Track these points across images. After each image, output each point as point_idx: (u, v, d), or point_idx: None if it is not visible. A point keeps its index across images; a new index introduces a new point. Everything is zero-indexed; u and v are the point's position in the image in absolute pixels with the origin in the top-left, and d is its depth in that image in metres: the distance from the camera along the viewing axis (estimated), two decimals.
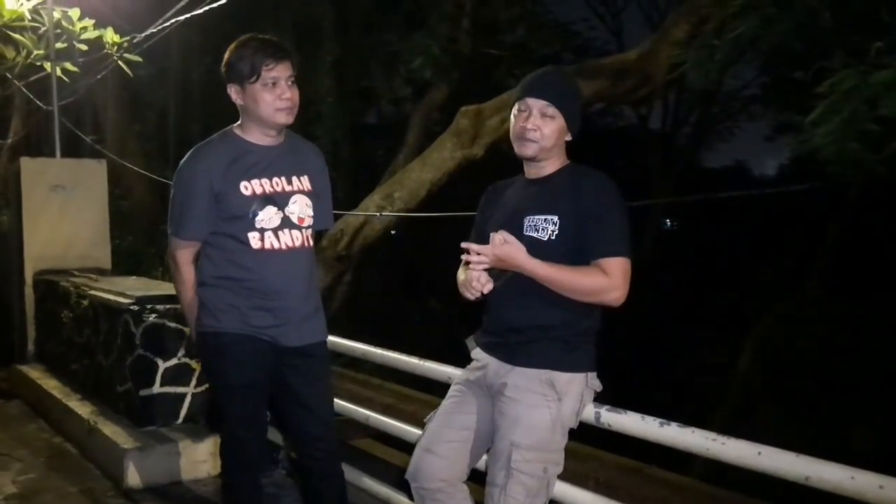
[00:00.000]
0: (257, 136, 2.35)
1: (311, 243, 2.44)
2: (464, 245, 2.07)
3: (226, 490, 2.57)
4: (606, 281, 1.99)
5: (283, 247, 2.33)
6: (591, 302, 2.05)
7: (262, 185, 2.31)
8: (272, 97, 2.25)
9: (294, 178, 2.38)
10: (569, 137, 2.17)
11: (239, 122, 2.38)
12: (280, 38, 2.41)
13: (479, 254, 2.02)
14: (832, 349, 10.49)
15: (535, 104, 2.12)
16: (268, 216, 2.31)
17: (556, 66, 2.32)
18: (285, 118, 2.30)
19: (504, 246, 1.97)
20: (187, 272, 2.41)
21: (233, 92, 2.30)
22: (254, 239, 2.30)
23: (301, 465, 2.62)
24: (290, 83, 2.28)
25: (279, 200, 2.33)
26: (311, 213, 2.40)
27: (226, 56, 2.29)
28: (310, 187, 2.41)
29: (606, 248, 2.01)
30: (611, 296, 2.00)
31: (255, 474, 2.56)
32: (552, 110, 2.11)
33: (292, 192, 2.36)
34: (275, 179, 2.34)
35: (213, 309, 2.36)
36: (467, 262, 2.08)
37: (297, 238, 2.36)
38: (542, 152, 2.13)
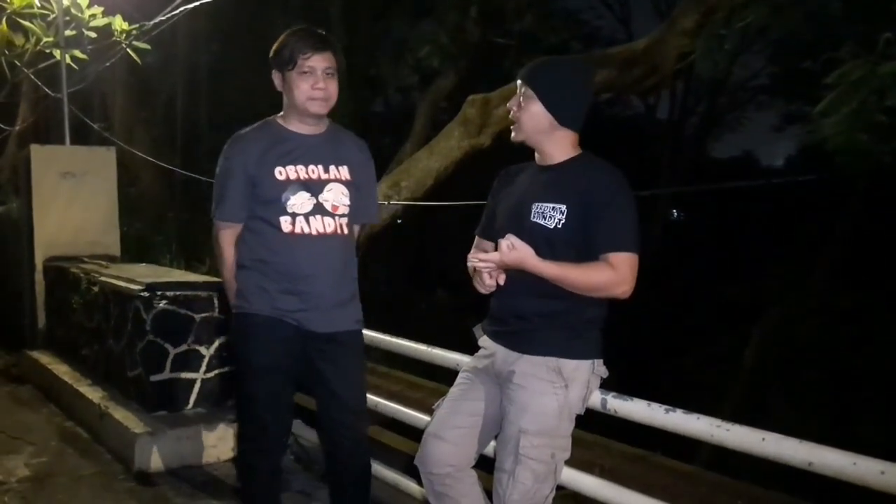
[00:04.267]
0: (296, 125, 2.39)
1: (347, 232, 2.43)
2: (471, 256, 2.08)
3: (243, 473, 2.59)
4: (614, 275, 2.00)
5: (314, 232, 2.35)
6: (598, 296, 2.07)
7: (296, 171, 2.34)
8: (307, 86, 2.29)
9: (332, 167, 2.39)
10: (555, 124, 2.13)
11: (282, 112, 2.44)
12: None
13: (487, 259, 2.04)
14: (840, 341, 10.48)
15: (520, 87, 2.17)
16: (300, 201, 2.33)
17: (562, 56, 2.33)
18: (318, 108, 2.34)
19: (512, 253, 1.97)
20: (228, 253, 2.46)
21: (275, 78, 2.36)
22: (285, 223, 2.33)
23: (325, 450, 2.64)
24: (327, 74, 2.31)
25: (313, 187, 2.36)
26: (348, 203, 2.41)
27: (275, 44, 2.35)
28: (348, 177, 2.42)
29: (614, 242, 2.02)
30: (618, 290, 2.01)
31: (275, 459, 2.56)
32: (529, 92, 2.13)
33: (328, 181, 2.38)
34: (311, 167, 2.37)
35: (245, 291, 2.41)
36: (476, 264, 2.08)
37: (330, 225, 2.37)
38: (526, 137, 2.16)
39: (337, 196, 2.39)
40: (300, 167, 2.35)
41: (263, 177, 2.33)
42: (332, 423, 2.49)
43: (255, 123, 2.45)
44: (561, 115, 2.13)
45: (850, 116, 3.65)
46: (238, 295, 2.44)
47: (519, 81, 2.17)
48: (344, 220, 2.41)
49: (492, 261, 2.01)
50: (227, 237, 2.45)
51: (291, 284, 2.35)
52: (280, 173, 2.33)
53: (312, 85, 2.29)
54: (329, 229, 2.37)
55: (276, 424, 2.48)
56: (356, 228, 2.57)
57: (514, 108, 2.17)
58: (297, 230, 2.34)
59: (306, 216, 2.34)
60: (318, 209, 2.36)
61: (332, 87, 2.34)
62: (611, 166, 2.13)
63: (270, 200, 2.33)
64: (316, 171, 2.37)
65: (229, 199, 2.38)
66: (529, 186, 2.19)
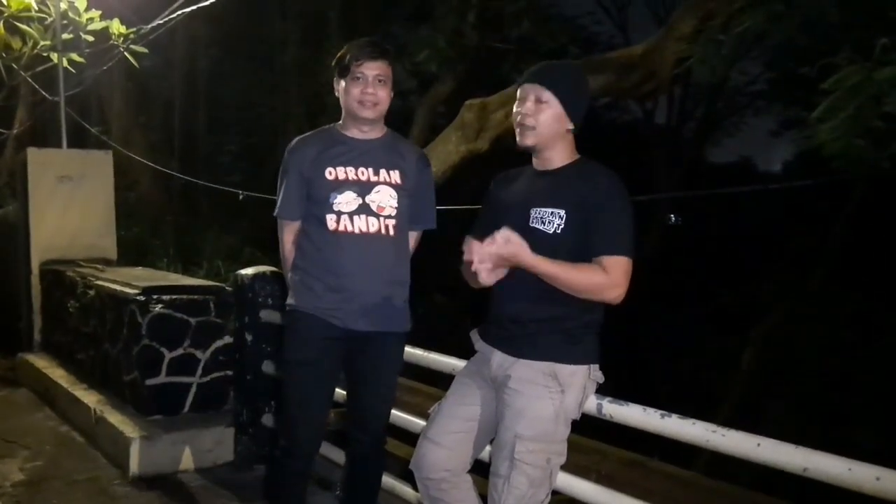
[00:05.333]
0: (352, 130, 2.48)
1: (394, 234, 2.46)
2: (466, 247, 2.02)
3: (271, 471, 2.63)
4: (606, 279, 1.99)
5: (357, 231, 2.41)
6: (589, 299, 2.05)
7: (346, 172, 2.43)
8: (357, 91, 2.39)
9: (382, 171, 2.45)
10: (570, 126, 2.16)
11: (341, 119, 2.54)
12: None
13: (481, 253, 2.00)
14: (836, 346, 10.48)
15: (531, 90, 2.14)
16: (345, 200, 2.41)
17: (564, 60, 2.33)
18: (366, 112, 2.41)
19: (507, 245, 1.95)
20: (287, 249, 2.56)
21: (335, 86, 2.48)
22: (330, 220, 2.41)
23: (348, 448, 2.72)
24: (378, 81, 2.39)
25: (361, 188, 2.42)
26: (395, 205, 2.45)
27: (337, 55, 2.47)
28: (399, 181, 2.46)
29: (609, 246, 2.02)
30: (610, 294, 2.01)
31: (303, 462, 2.56)
32: (547, 95, 2.12)
33: (377, 183, 2.43)
34: (360, 169, 2.44)
35: (294, 288, 2.52)
36: (470, 262, 2.03)
37: (374, 225, 2.42)
38: (540, 141, 2.13)
39: (384, 198, 2.43)
40: (350, 168, 2.43)
41: (315, 177, 2.43)
42: (356, 420, 2.58)
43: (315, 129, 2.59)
44: (576, 117, 2.16)
45: (846, 122, 3.65)
46: (289, 292, 2.55)
47: (530, 84, 2.15)
48: (391, 222, 2.45)
49: (486, 252, 1.97)
50: (286, 234, 2.56)
51: (333, 281, 2.42)
52: (330, 173, 2.42)
53: (362, 90, 2.38)
54: (373, 229, 2.42)
55: (306, 424, 2.51)
56: (414, 235, 2.61)
57: (529, 111, 2.13)
58: (342, 228, 2.41)
59: (350, 215, 2.41)
60: (364, 209, 2.41)
61: (382, 93, 2.41)
62: (608, 171, 2.13)
63: (320, 199, 2.43)
64: (366, 173, 2.44)
65: (286, 197, 2.51)
66: (528, 191, 2.19)
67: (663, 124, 19.31)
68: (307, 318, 2.45)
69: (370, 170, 2.44)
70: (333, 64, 2.46)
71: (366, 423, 2.56)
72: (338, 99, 2.48)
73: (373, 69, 2.38)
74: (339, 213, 2.40)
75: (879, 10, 4.03)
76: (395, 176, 2.46)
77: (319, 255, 2.44)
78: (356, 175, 2.43)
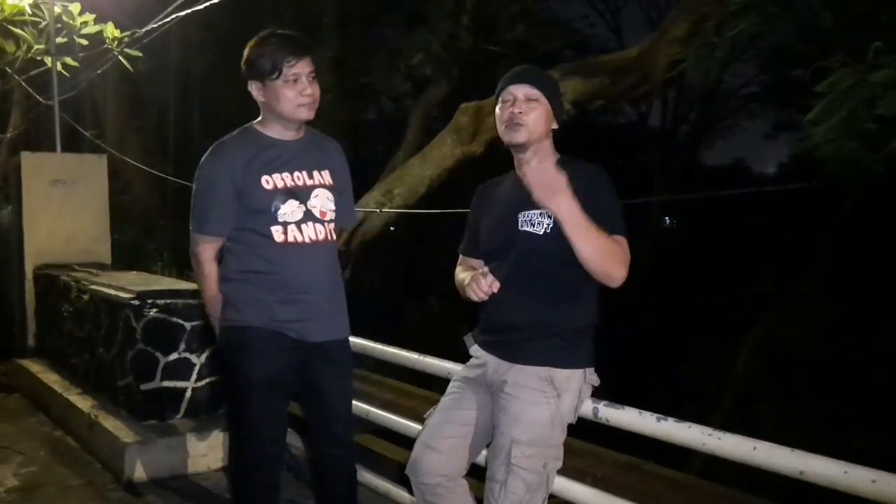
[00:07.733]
0: (278, 132, 2.35)
1: (334, 238, 2.42)
2: (483, 270, 2.01)
3: (240, 489, 2.49)
4: (623, 251, 2.00)
5: (307, 240, 2.32)
6: (599, 272, 1.99)
7: (283, 179, 2.31)
8: (293, 93, 2.26)
9: (315, 173, 2.37)
10: (555, 126, 2.20)
11: (259, 119, 2.39)
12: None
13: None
14: (831, 349, 10.51)
15: (519, 90, 2.16)
16: (290, 209, 2.30)
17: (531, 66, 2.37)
18: (307, 113, 2.30)
19: (546, 174, 1.87)
20: (209, 268, 2.40)
21: (254, 89, 2.31)
22: (277, 232, 2.29)
23: (316, 461, 2.60)
24: (311, 79, 2.28)
25: (301, 194, 2.33)
26: (333, 208, 2.39)
27: (246, 53, 2.29)
28: (331, 182, 2.40)
29: (613, 227, 2.01)
30: (621, 270, 1.99)
31: (274, 475, 2.48)
32: (536, 93, 2.15)
33: (314, 186, 2.36)
34: (296, 174, 2.33)
35: (237, 303, 2.35)
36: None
37: (321, 232, 2.36)
38: (531, 138, 2.14)
39: (323, 202, 2.37)
40: (286, 174, 2.32)
41: (250, 187, 2.28)
42: (326, 435, 2.46)
43: (233, 132, 2.41)
44: (559, 116, 2.20)
45: (840, 125, 3.65)
46: (229, 308, 2.37)
47: (516, 85, 2.17)
48: (332, 226, 2.40)
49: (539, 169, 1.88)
50: (209, 252, 2.38)
51: (288, 294, 2.31)
52: (267, 182, 2.28)
53: (300, 92, 2.26)
54: (321, 236, 2.35)
55: (274, 441, 2.41)
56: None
57: (521, 109, 2.13)
58: (290, 239, 2.30)
59: (297, 224, 2.31)
60: (308, 216, 2.33)
61: (318, 91, 2.32)
62: (590, 165, 2.15)
63: (259, 210, 2.28)
64: (301, 178, 2.34)
65: (215, 212, 2.32)
66: (513, 196, 2.19)
67: (657, 127, 19.38)
68: (262, 333, 2.31)
69: (304, 173, 2.34)
70: (247, 66, 2.28)
71: (337, 435, 2.45)
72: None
73: (306, 67, 2.25)
74: (285, 224, 2.29)
75: (873, 13, 4.04)
76: (327, 176, 2.39)
77: (270, 269, 2.30)
78: (293, 181, 2.32)
